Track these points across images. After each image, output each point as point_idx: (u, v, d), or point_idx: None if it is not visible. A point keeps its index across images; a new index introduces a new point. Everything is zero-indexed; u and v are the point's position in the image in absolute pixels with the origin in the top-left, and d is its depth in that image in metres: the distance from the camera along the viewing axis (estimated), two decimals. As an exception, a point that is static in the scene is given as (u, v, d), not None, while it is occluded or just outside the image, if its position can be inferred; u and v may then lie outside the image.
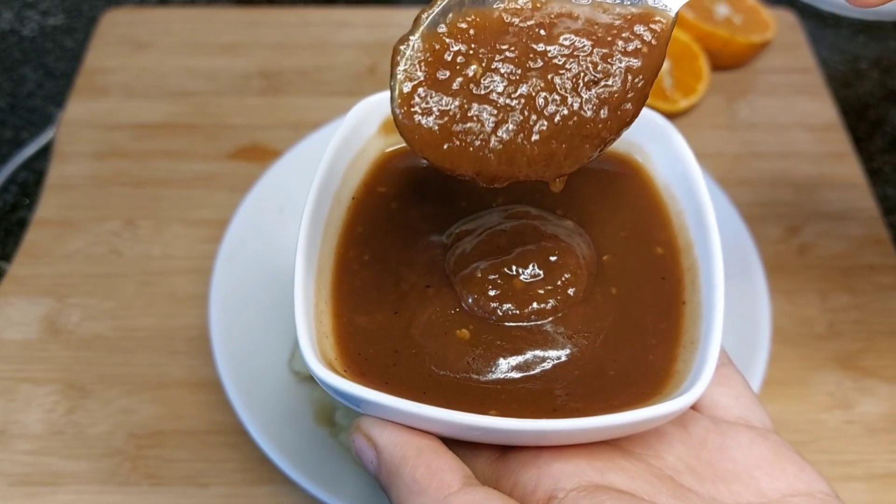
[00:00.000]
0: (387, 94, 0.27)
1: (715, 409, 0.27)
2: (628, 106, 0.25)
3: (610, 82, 0.24)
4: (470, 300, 0.28)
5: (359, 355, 0.27)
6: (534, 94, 0.24)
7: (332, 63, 0.68)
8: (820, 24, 0.74)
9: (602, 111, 0.25)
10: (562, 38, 0.24)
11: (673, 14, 0.25)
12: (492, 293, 0.28)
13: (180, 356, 0.50)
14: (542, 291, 0.28)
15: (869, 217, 0.58)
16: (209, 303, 0.47)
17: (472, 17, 0.24)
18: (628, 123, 0.25)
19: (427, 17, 0.24)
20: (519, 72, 0.24)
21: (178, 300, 0.53)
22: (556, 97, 0.24)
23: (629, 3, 0.25)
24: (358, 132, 0.32)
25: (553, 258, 0.29)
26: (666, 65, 0.65)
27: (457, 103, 0.24)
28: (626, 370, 0.27)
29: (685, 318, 0.28)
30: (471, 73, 0.24)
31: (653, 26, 0.24)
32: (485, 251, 0.30)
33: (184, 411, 0.48)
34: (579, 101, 0.24)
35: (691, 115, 0.65)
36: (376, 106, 0.31)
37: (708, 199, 0.29)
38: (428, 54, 0.24)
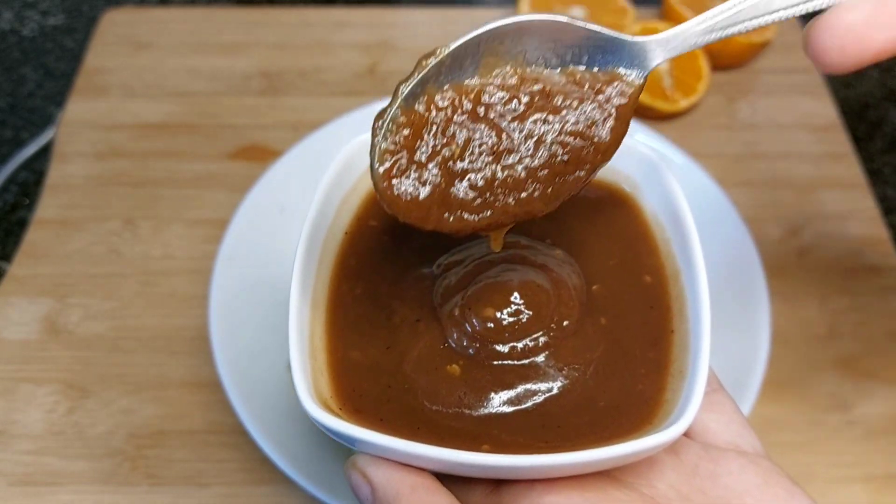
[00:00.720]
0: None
1: (706, 435, 0.28)
2: (593, 163, 0.26)
3: (580, 146, 0.26)
4: (455, 336, 0.29)
5: (353, 391, 0.27)
6: (507, 164, 0.25)
7: (331, 63, 0.68)
8: (820, 25, 0.74)
9: (576, 173, 0.26)
10: (535, 110, 0.26)
11: (641, 80, 0.26)
12: (476, 330, 0.28)
13: (180, 356, 0.50)
14: (531, 326, 0.29)
15: (869, 217, 0.58)
16: (209, 303, 0.47)
17: (449, 91, 0.25)
18: (594, 174, 0.27)
19: (405, 90, 0.25)
20: (494, 142, 0.25)
21: (179, 300, 0.53)
22: (527, 165, 0.26)
23: (599, 70, 0.26)
24: (350, 168, 0.32)
25: (542, 290, 0.29)
26: (666, 64, 0.65)
27: (435, 177, 0.25)
28: (617, 401, 0.27)
29: (674, 347, 0.28)
30: (447, 153, 0.25)
31: (619, 99, 0.26)
32: (471, 283, 0.30)
33: (184, 411, 0.48)
34: (549, 169, 0.26)
35: (691, 114, 0.65)
36: (367, 143, 0.32)
37: (694, 229, 0.29)
38: (405, 129, 0.25)
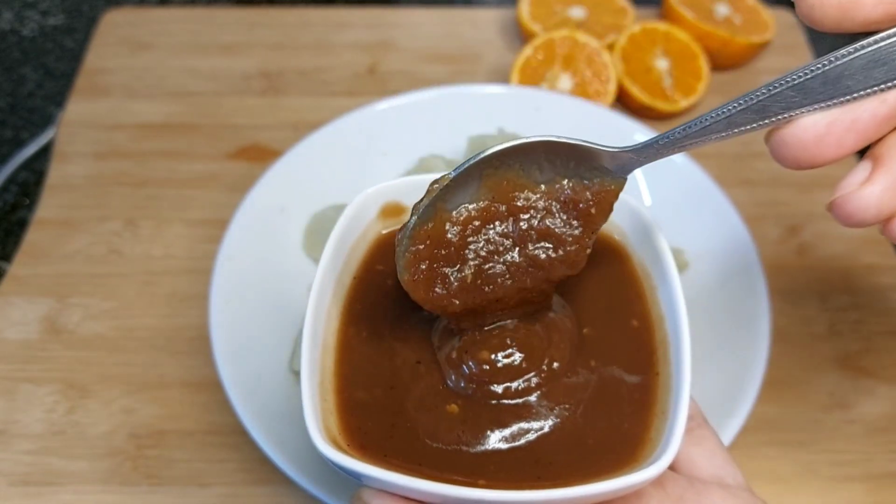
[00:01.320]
0: (385, 184, 0.35)
1: (691, 468, 0.30)
2: (578, 259, 0.31)
3: (563, 250, 0.31)
4: (453, 377, 0.31)
5: (359, 429, 0.30)
6: (506, 266, 0.31)
7: (331, 63, 0.68)
8: (819, 25, 0.74)
9: (561, 269, 0.31)
10: (529, 220, 0.31)
11: (620, 184, 0.30)
12: (472, 371, 0.31)
13: (180, 356, 0.50)
14: (524, 367, 0.31)
15: (868, 217, 0.58)
16: (209, 303, 0.47)
17: (458, 211, 0.30)
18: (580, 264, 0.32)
19: (420, 210, 0.30)
20: (498, 248, 0.31)
21: (179, 300, 0.53)
22: (522, 266, 0.31)
23: (585, 178, 0.30)
24: (359, 218, 0.35)
25: (535, 333, 0.32)
26: (666, 64, 0.65)
27: (452, 278, 0.31)
28: (604, 439, 0.30)
29: (659, 389, 0.31)
30: (458, 261, 0.31)
31: (599, 205, 0.31)
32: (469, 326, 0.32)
33: (184, 411, 0.48)
34: (544, 270, 0.31)
35: (691, 114, 0.65)
36: (376, 195, 0.35)
37: (677, 278, 0.32)
38: (421, 244, 0.30)
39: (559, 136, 0.29)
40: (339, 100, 0.65)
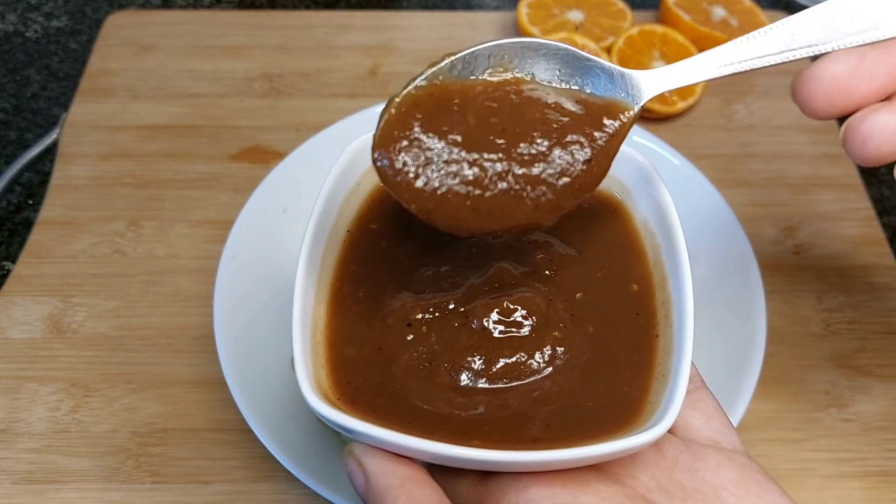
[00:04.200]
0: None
1: (688, 431, 0.29)
2: (582, 182, 0.28)
3: (570, 160, 0.27)
4: (446, 341, 0.29)
5: (349, 384, 0.29)
6: (503, 159, 0.27)
7: (333, 65, 0.68)
8: (816, 28, 0.74)
9: (560, 180, 0.27)
10: (538, 123, 0.27)
11: (636, 109, 0.28)
12: (466, 336, 0.29)
13: (184, 355, 0.51)
14: (521, 332, 0.29)
15: (864, 217, 0.59)
16: (213, 302, 0.47)
17: (457, 84, 0.27)
18: (586, 192, 0.28)
19: (417, 78, 0.27)
20: (496, 144, 0.27)
21: (182, 300, 0.53)
22: (522, 173, 0.27)
23: (594, 92, 0.28)
24: (353, 167, 0.34)
25: (531, 298, 0.30)
26: (663, 66, 0.66)
27: (435, 162, 0.26)
28: (603, 402, 0.28)
29: (658, 351, 0.29)
30: (449, 142, 0.26)
31: (613, 124, 0.28)
32: (461, 288, 0.31)
33: (187, 409, 0.48)
34: (541, 169, 0.27)
35: (688, 116, 0.65)
36: (369, 143, 0.33)
37: (682, 237, 0.31)
38: (414, 110, 0.27)
39: (578, 51, 0.27)
40: (340, 101, 0.65)
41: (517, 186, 0.27)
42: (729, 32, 0.67)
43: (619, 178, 0.34)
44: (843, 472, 0.46)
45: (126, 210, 0.58)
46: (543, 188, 0.27)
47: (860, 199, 0.60)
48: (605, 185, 0.34)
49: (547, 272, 0.32)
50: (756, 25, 0.68)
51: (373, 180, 0.35)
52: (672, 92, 0.65)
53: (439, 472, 0.27)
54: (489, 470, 0.27)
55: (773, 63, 0.27)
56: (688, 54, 0.66)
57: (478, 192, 0.26)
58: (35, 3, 0.75)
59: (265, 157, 0.61)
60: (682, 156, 0.55)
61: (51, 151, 0.62)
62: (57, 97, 0.67)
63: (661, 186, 0.32)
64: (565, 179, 0.27)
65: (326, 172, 0.56)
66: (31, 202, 0.60)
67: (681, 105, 0.64)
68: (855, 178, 0.61)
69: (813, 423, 0.48)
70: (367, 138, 0.33)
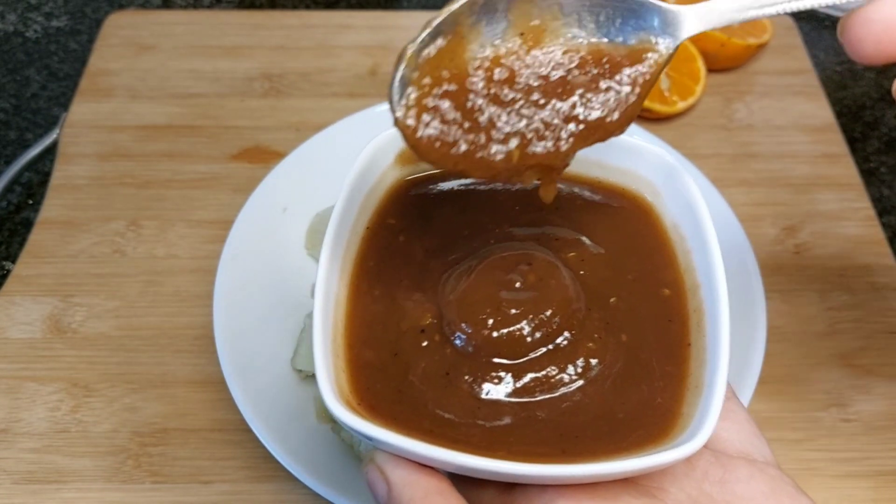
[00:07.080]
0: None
1: (718, 442, 0.28)
2: (615, 118, 0.27)
3: (599, 102, 0.26)
4: (464, 346, 0.28)
5: (368, 390, 0.28)
6: (529, 111, 0.26)
7: (333, 65, 0.68)
8: (816, 27, 0.74)
9: (590, 131, 0.26)
10: (562, 66, 0.26)
11: (672, 49, 0.26)
12: (485, 341, 0.28)
13: (184, 355, 0.51)
14: (545, 337, 0.28)
15: (864, 217, 0.59)
16: (213, 302, 0.47)
17: (480, 27, 0.25)
18: (615, 133, 0.27)
19: (434, 21, 0.25)
20: (520, 86, 0.26)
21: (182, 299, 0.53)
22: (547, 115, 0.26)
23: (631, 32, 0.26)
24: (375, 163, 0.33)
25: (558, 297, 0.29)
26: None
27: (457, 110, 0.25)
28: (635, 413, 0.27)
29: (691, 360, 0.28)
30: (472, 88, 0.25)
31: (645, 67, 0.26)
32: (479, 288, 0.29)
33: (187, 409, 0.48)
34: (569, 121, 0.26)
35: (688, 116, 0.65)
36: (391, 139, 0.33)
37: (715, 241, 0.29)
38: (432, 59, 0.25)
39: None
40: (340, 101, 0.65)
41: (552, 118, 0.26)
42: (729, 32, 0.67)
43: (650, 180, 0.33)
44: (844, 472, 0.46)
45: (126, 210, 0.58)
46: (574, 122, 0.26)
47: (860, 198, 0.60)
48: (635, 186, 0.33)
49: (581, 272, 0.31)
50: (756, 25, 0.68)
51: (393, 176, 0.34)
52: (672, 92, 0.65)
53: (460, 482, 0.26)
54: (516, 482, 0.26)
55: (824, 4, 0.24)
56: (688, 54, 0.66)
57: (502, 133, 0.25)
58: (35, 3, 0.75)
59: (265, 157, 0.61)
60: (683, 156, 0.55)
61: (51, 151, 0.62)
62: (57, 97, 0.67)
63: (691, 187, 0.31)
64: (597, 114, 0.26)
65: (326, 174, 0.56)
66: (31, 202, 0.60)
67: (681, 105, 0.64)
68: (855, 177, 0.61)
69: (814, 424, 0.48)
70: (386, 135, 0.32)
